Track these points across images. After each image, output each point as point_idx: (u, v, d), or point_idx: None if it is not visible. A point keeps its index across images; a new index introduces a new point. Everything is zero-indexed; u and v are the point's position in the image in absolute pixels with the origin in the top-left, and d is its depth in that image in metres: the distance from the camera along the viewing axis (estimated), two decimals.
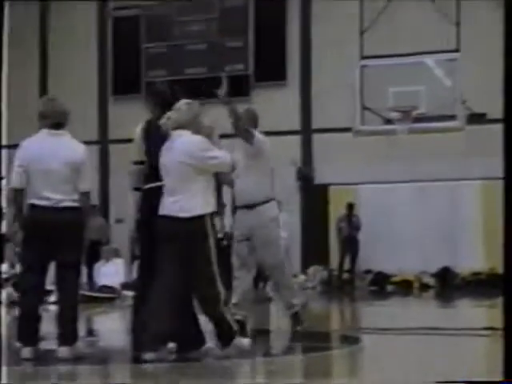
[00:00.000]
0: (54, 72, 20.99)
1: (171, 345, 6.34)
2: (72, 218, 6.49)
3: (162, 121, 6.48)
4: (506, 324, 4.05)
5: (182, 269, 6.30)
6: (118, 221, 20.48)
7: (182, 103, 6.57)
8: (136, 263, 13.41)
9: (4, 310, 11.49)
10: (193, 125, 6.51)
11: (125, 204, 21.23)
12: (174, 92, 6.88)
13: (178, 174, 6.33)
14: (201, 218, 6.29)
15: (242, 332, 6.97)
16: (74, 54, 20.75)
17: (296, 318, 8.13)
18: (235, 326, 6.41)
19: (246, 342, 6.48)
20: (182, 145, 6.37)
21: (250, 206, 7.98)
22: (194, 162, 6.32)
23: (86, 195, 6.62)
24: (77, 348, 6.41)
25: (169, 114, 6.49)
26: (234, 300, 7.84)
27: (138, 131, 6.85)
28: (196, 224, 6.28)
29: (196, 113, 6.55)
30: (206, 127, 6.63)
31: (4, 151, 10.20)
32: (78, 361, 6.25)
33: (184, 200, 6.28)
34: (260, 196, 7.99)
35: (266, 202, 8.04)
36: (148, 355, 6.13)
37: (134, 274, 16.38)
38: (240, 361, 6.22)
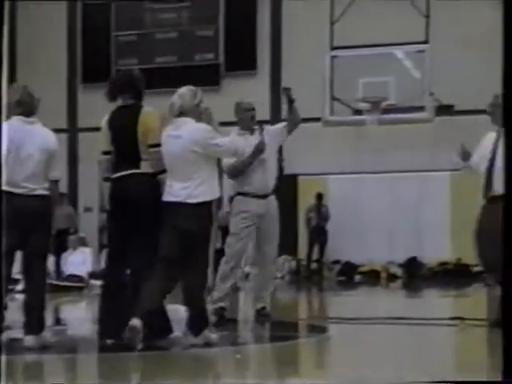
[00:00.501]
0: (23, 59, 20.81)
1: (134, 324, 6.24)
2: (41, 206, 6.46)
3: (170, 107, 6.51)
4: (505, 324, 4.08)
5: (180, 255, 6.34)
6: (87, 209, 20.41)
7: (185, 89, 6.61)
8: (104, 252, 13.43)
9: None
10: (195, 111, 6.55)
11: (93, 193, 21.24)
12: (138, 80, 6.82)
13: (185, 161, 6.37)
14: (207, 204, 6.40)
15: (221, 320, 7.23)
16: (43, 42, 20.59)
17: (263, 312, 8.26)
18: (209, 318, 6.46)
19: (214, 336, 6.45)
20: (189, 133, 6.41)
21: (265, 195, 8.26)
22: (202, 149, 6.37)
23: (55, 183, 6.59)
24: (43, 337, 6.39)
25: (172, 100, 6.53)
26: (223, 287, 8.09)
27: (104, 120, 6.82)
28: (203, 210, 6.37)
29: (199, 99, 6.59)
30: (206, 113, 6.67)
31: None
32: (44, 350, 6.23)
33: (192, 187, 6.34)
34: (272, 185, 8.37)
35: (273, 192, 8.41)
36: (110, 341, 6.22)
37: (102, 263, 16.40)
38: (207, 350, 6.23)
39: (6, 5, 4.61)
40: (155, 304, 6.35)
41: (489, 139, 7.32)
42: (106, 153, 6.78)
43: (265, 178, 8.27)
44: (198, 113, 6.57)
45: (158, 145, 6.51)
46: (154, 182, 6.53)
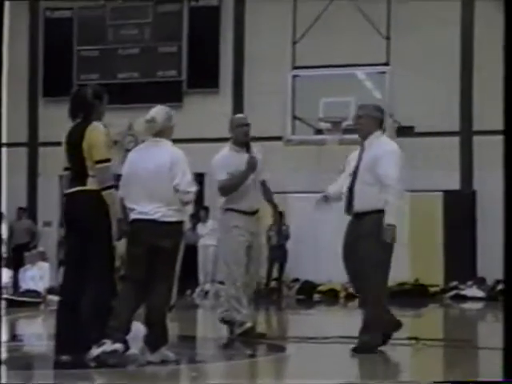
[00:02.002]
0: None
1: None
2: None
3: (138, 126, 6.56)
4: (505, 324, 4.12)
5: (147, 273, 6.37)
6: (46, 224, 20.26)
7: (159, 109, 6.65)
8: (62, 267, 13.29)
9: None
10: (169, 132, 6.60)
11: (53, 207, 21.04)
12: (96, 96, 6.76)
13: (159, 180, 6.39)
14: (180, 223, 6.49)
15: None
16: (4, 54, 20.43)
17: (231, 323, 8.34)
18: (167, 335, 6.43)
19: (171, 354, 6.42)
20: (167, 153, 6.45)
21: (254, 213, 8.38)
22: (177, 173, 6.39)
23: None
24: None
25: (142, 119, 6.57)
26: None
27: (64, 137, 6.81)
28: (177, 229, 6.47)
29: (173, 119, 6.64)
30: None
31: None
32: None
33: (167, 206, 6.37)
34: (259, 203, 8.49)
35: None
36: (66, 357, 6.19)
37: (60, 279, 16.25)
38: (163, 367, 6.21)
39: (6, 5, 4.59)
40: (126, 322, 6.34)
41: (352, 158, 7.37)
42: (66, 169, 6.79)
43: (255, 194, 8.36)
44: (170, 133, 6.64)
45: (104, 160, 6.47)
46: (99, 198, 6.49)
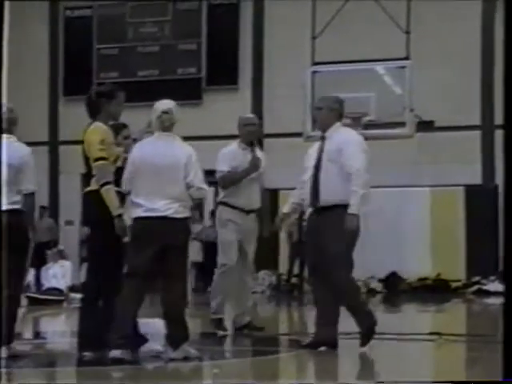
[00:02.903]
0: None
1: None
2: (14, 221, 6.39)
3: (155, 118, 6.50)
4: (505, 325, 4.11)
5: (161, 268, 6.37)
6: (68, 223, 20.35)
7: (170, 102, 6.60)
8: (84, 265, 13.38)
9: None
10: (174, 126, 6.58)
11: (75, 206, 21.16)
12: (101, 95, 6.74)
13: (173, 176, 6.37)
14: (188, 219, 6.50)
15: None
16: (26, 54, 20.56)
17: (253, 325, 8.45)
18: (188, 331, 6.42)
19: (193, 351, 6.41)
20: (182, 149, 6.47)
21: (250, 211, 8.41)
22: (191, 169, 6.39)
23: (30, 197, 6.58)
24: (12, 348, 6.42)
25: (162, 109, 6.49)
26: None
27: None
28: (187, 225, 6.47)
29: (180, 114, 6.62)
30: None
31: None
32: (15, 360, 6.20)
33: (176, 203, 6.36)
34: (257, 203, 8.54)
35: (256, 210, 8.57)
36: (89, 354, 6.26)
37: (82, 277, 16.34)
38: (186, 364, 6.23)
39: (6, 5, 4.62)
40: (130, 318, 6.35)
41: (312, 152, 7.26)
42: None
43: (254, 194, 8.42)
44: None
45: (98, 159, 6.46)
46: (98, 198, 6.50)
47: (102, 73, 20.30)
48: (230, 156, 8.42)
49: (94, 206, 6.50)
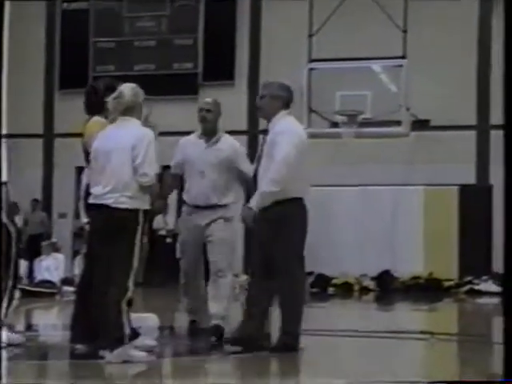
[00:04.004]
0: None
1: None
2: None
3: (109, 104, 6.21)
4: (505, 325, 4.11)
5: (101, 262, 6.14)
6: (61, 215, 20.32)
7: (127, 86, 6.31)
8: (77, 258, 13.37)
9: None
10: (137, 111, 6.25)
11: (68, 199, 21.07)
12: (110, 89, 6.62)
13: (117, 161, 6.05)
14: (132, 211, 6.06)
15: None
16: (21, 47, 20.50)
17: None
18: (127, 331, 5.99)
19: (139, 354, 6.05)
20: (131, 132, 6.09)
21: (204, 207, 7.65)
22: (139, 153, 6.01)
23: (3, 187, 6.54)
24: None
25: (113, 95, 6.24)
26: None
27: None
28: (127, 217, 6.04)
29: (141, 98, 6.31)
30: (150, 122, 6.58)
31: None
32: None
33: (119, 192, 6.05)
34: (215, 198, 7.72)
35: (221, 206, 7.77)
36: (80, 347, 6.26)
37: (75, 269, 16.34)
38: (179, 359, 6.23)
39: (6, 5, 4.62)
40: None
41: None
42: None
43: (203, 188, 7.55)
44: (139, 113, 6.31)
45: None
46: None
47: (98, 66, 20.27)
48: (179, 147, 7.74)
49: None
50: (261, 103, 6.83)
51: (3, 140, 6.70)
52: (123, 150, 6.04)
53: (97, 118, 6.64)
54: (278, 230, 6.51)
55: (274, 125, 6.73)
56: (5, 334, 6.68)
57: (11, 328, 7.15)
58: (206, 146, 7.64)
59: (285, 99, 6.83)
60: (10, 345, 6.64)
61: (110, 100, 6.25)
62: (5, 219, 6.59)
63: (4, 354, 6.33)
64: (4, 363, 6.02)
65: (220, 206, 7.57)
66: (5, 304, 6.70)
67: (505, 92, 4.19)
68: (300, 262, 6.78)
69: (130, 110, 6.20)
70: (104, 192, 6.06)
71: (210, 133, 7.69)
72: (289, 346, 6.55)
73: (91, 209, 6.23)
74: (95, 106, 6.73)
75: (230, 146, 7.76)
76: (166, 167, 7.57)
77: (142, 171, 6.00)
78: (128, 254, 5.99)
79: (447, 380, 5.33)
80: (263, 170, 6.59)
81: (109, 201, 6.02)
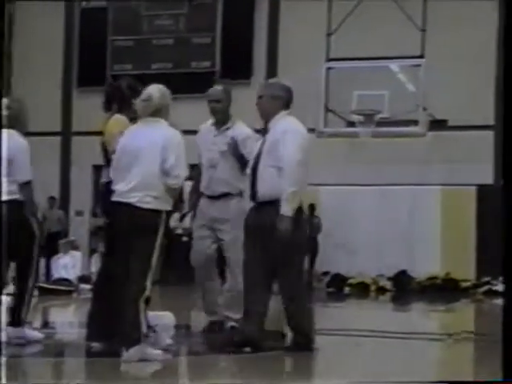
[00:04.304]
0: (19, 62, 20.81)
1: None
2: (11, 211, 6.49)
3: (138, 106, 6.20)
4: (505, 325, 4.11)
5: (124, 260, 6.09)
6: (78, 213, 20.39)
7: (155, 87, 6.25)
8: (95, 256, 13.38)
9: None
10: (165, 112, 6.20)
11: (85, 196, 21.14)
12: (132, 88, 6.67)
13: (146, 161, 6.01)
14: (156, 212, 6.04)
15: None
16: (40, 45, 20.60)
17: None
18: (144, 330, 5.95)
19: (155, 353, 6.04)
20: (161, 133, 6.06)
21: (215, 197, 7.64)
22: (169, 156, 5.98)
23: (25, 186, 6.62)
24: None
25: (142, 97, 6.20)
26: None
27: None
28: (151, 217, 6.01)
29: (169, 99, 6.27)
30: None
31: None
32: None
33: (143, 191, 6.01)
34: (223, 188, 7.72)
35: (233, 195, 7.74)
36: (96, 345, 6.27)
37: (92, 267, 16.39)
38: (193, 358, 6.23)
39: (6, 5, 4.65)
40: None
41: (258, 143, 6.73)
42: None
43: (213, 177, 7.54)
44: (166, 115, 6.25)
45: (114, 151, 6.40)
46: None
47: (116, 65, 20.32)
48: (197, 136, 7.70)
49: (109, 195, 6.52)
50: (260, 103, 6.77)
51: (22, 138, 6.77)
52: (152, 149, 6.00)
53: (118, 117, 6.64)
54: (276, 227, 6.35)
55: (274, 125, 6.66)
56: (25, 331, 6.76)
57: (30, 325, 7.21)
58: (217, 134, 7.63)
59: (285, 100, 6.76)
60: (29, 342, 6.70)
61: (138, 102, 6.23)
62: (29, 217, 6.67)
63: (22, 350, 6.40)
64: (22, 359, 6.06)
65: (233, 195, 7.55)
66: (26, 302, 6.77)
67: (505, 93, 4.18)
68: (301, 260, 6.80)
69: (158, 112, 6.17)
70: (128, 190, 6.02)
71: (221, 122, 7.68)
72: (301, 345, 6.54)
73: (113, 206, 6.19)
74: (116, 105, 6.74)
75: (241, 133, 7.67)
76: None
77: (174, 173, 5.97)
78: (148, 253, 5.96)
79: (455, 380, 5.32)
80: (263, 167, 6.53)
81: (133, 199, 5.98)
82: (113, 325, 6.15)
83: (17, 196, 6.60)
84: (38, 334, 6.99)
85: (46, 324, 9.48)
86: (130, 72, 19.83)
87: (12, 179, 6.57)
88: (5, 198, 6.50)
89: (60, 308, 13.06)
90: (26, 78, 19.97)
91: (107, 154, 6.58)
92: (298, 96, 18.37)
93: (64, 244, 16.67)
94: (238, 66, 19.71)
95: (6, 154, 6.53)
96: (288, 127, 6.58)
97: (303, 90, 17.79)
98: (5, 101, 6.75)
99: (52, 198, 19.46)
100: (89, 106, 19.55)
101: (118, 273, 6.10)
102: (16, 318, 6.74)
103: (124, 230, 6.01)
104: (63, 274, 15.66)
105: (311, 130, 16.70)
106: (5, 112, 6.67)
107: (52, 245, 17.02)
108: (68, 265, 15.90)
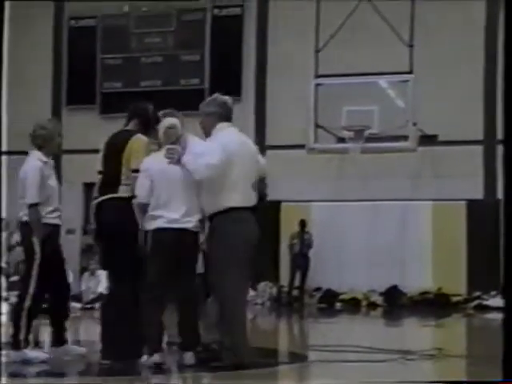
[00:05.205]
0: (8, 79, 20.77)
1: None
2: (23, 232, 6.91)
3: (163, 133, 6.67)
4: (505, 324, 4.11)
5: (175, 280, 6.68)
6: (69, 231, 20.31)
7: (173, 118, 6.79)
8: (85, 274, 13.36)
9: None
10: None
11: (76, 215, 21.06)
12: (155, 115, 7.02)
13: (188, 186, 6.58)
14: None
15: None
16: (30, 63, 20.58)
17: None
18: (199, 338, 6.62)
19: (188, 356, 6.59)
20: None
21: None
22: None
23: (31, 208, 6.81)
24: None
25: (166, 125, 6.69)
26: None
27: (103, 142, 6.99)
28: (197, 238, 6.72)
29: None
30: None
31: None
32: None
33: (192, 215, 6.64)
34: None
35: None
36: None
37: (82, 286, 16.31)
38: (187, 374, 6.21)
39: (6, 5, 4.65)
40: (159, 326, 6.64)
41: None
42: (99, 172, 6.93)
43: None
44: None
45: (138, 171, 6.61)
46: (130, 206, 6.58)
47: (106, 82, 20.33)
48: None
49: (121, 213, 6.55)
50: (200, 121, 6.89)
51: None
52: (189, 176, 6.48)
53: (142, 137, 6.90)
54: (216, 240, 6.56)
55: (212, 137, 6.76)
56: (26, 353, 6.80)
57: (36, 345, 7.22)
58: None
59: (219, 114, 6.83)
60: (32, 363, 6.74)
61: (164, 129, 6.65)
62: (35, 239, 6.85)
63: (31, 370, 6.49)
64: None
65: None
66: (23, 323, 6.76)
67: (505, 92, 4.19)
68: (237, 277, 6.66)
69: (177, 141, 6.65)
70: (180, 216, 6.49)
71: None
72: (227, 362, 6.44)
73: (164, 233, 6.46)
74: (140, 125, 6.98)
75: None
76: None
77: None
78: (194, 273, 6.72)
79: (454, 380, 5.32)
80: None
81: (188, 225, 6.53)
82: (132, 344, 6.48)
83: (26, 218, 6.85)
84: (42, 354, 6.95)
85: (37, 343, 9.42)
86: (120, 90, 19.86)
87: (23, 201, 6.87)
88: (22, 219, 6.88)
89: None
90: (14, 97, 19.94)
91: (118, 169, 6.65)
92: (288, 112, 18.51)
93: None
94: (227, 83, 19.70)
95: (21, 175, 6.91)
96: (214, 138, 6.65)
97: (293, 106, 17.99)
98: (40, 121, 7.13)
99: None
100: (78, 124, 19.56)
101: (158, 294, 6.49)
102: (15, 340, 6.80)
103: (177, 253, 6.52)
104: None
105: (301, 147, 16.77)
106: (40, 131, 6.94)
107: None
108: None
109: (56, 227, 7.02)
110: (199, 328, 6.66)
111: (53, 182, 7.03)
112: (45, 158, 7.05)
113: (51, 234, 6.94)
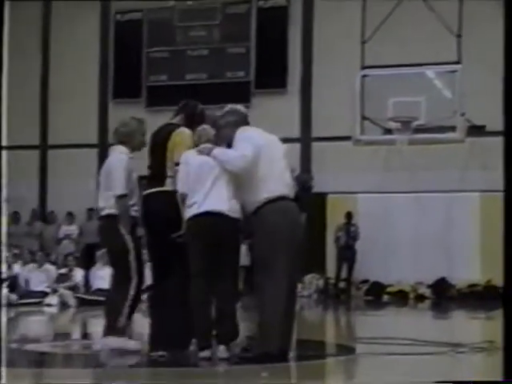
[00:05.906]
0: (56, 75, 20.99)
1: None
2: (105, 224, 7.09)
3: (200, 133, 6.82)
4: (505, 324, 4.05)
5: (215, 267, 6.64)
6: None
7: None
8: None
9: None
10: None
11: None
12: (202, 115, 7.17)
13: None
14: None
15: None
16: (76, 58, 20.75)
17: None
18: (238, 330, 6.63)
19: (221, 349, 6.58)
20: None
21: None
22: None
23: (119, 200, 6.91)
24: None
25: (203, 126, 6.86)
26: None
27: (150, 136, 7.09)
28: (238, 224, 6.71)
29: None
30: None
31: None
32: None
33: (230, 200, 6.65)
34: None
35: None
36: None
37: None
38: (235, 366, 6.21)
39: (6, 5, 4.67)
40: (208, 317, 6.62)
41: None
42: (149, 167, 7.02)
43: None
44: None
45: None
46: (175, 199, 6.63)
47: (152, 76, 20.42)
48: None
49: (168, 206, 6.57)
50: (216, 136, 6.88)
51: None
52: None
53: (186, 129, 6.92)
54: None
55: (236, 138, 6.76)
56: (121, 340, 6.93)
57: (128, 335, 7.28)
58: None
59: (235, 122, 6.83)
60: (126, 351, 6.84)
61: (201, 130, 6.80)
62: (124, 231, 6.95)
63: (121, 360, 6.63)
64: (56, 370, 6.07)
65: None
66: (125, 312, 6.93)
67: (505, 92, 4.12)
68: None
69: (209, 141, 6.77)
70: (215, 202, 6.53)
71: None
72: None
73: (195, 218, 6.48)
74: (186, 120, 7.05)
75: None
76: None
77: None
78: (235, 263, 6.70)
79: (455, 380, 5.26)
80: None
81: (224, 208, 6.53)
82: (181, 333, 6.59)
83: (113, 210, 6.93)
84: (134, 344, 7.05)
85: (85, 335, 9.50)
86: (166, 83, 19.96)
87: (110, 193, 6.96)
88: (106, 212, 7.03)
89: (99, 319, 13.08)
90: (62, 92, 20.12)
91: (163, 162, 6.66)
92: (334, 104, 18.45)
93: (101, 255, 16.71)
94: (272, 75, 19.71)
95: (106, 168, 7.10)
96: (240, 137, 6.69)
97: (339, 98, 17.89)
98: (124, 119, 7.35)
99: (90, 210, 19.55)
100: (124, 118, 19.66)
101: (201, 284, 6.48)
102: (114, 328, 6.94)
103: (217, 238, 6.51)
104: (100, 285, 15.71)
105: (347, 138, 16.68)
106: (121, 128, 7.20)
107: (91, 256, 17.11)
108: (105, 275, 15.93)
109: (137, 220, 7.10)
110: (237, 321, 6.59)
111: (134, 176, 7.13)
112: (128, 153, 7.14)
113: (134, 226, 7.00)
